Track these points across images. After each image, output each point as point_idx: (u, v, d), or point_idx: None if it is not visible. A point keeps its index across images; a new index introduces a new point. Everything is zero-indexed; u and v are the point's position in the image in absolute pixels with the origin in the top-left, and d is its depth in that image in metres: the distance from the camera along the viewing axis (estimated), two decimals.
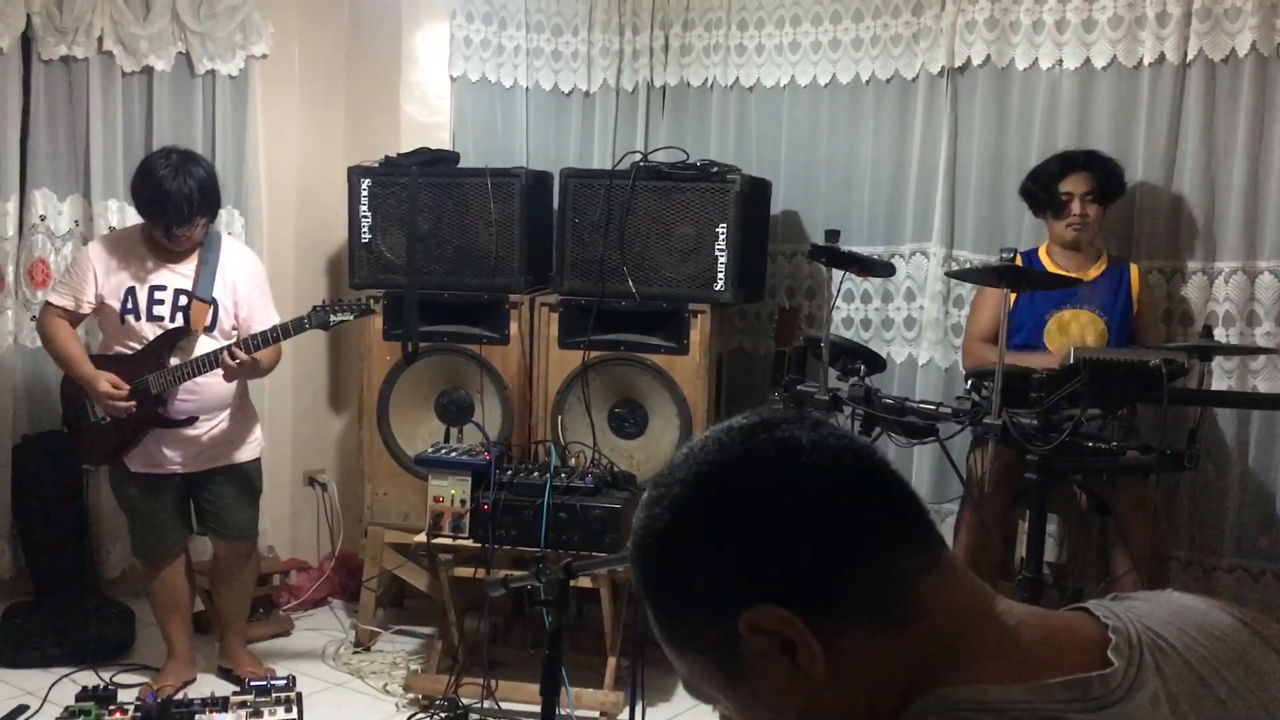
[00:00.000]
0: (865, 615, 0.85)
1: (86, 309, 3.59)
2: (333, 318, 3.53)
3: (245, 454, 3.74)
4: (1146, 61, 3.77)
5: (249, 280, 3.66)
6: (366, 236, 4.11)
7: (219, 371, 3.49)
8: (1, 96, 4.13)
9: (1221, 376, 3.73)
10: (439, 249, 4.06)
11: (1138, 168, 3.79)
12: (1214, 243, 3.76)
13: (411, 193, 4.03)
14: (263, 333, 3.51)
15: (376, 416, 4.14)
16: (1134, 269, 3.71)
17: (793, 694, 0.86)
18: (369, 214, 4.10)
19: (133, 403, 3.49)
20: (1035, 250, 3.79)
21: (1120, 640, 0.84)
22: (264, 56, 4.48)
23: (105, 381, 3.48)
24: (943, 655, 0.84)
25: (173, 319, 3.55)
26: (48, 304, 3.64)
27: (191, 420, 3.57)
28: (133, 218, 4.33)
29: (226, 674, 3.82)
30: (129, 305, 3.55)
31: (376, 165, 4.13)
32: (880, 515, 0.88)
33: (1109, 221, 3.76)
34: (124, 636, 4.03)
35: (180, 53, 4.34)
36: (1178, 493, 3.80)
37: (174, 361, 3.53)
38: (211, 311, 3.57)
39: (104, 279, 3.56)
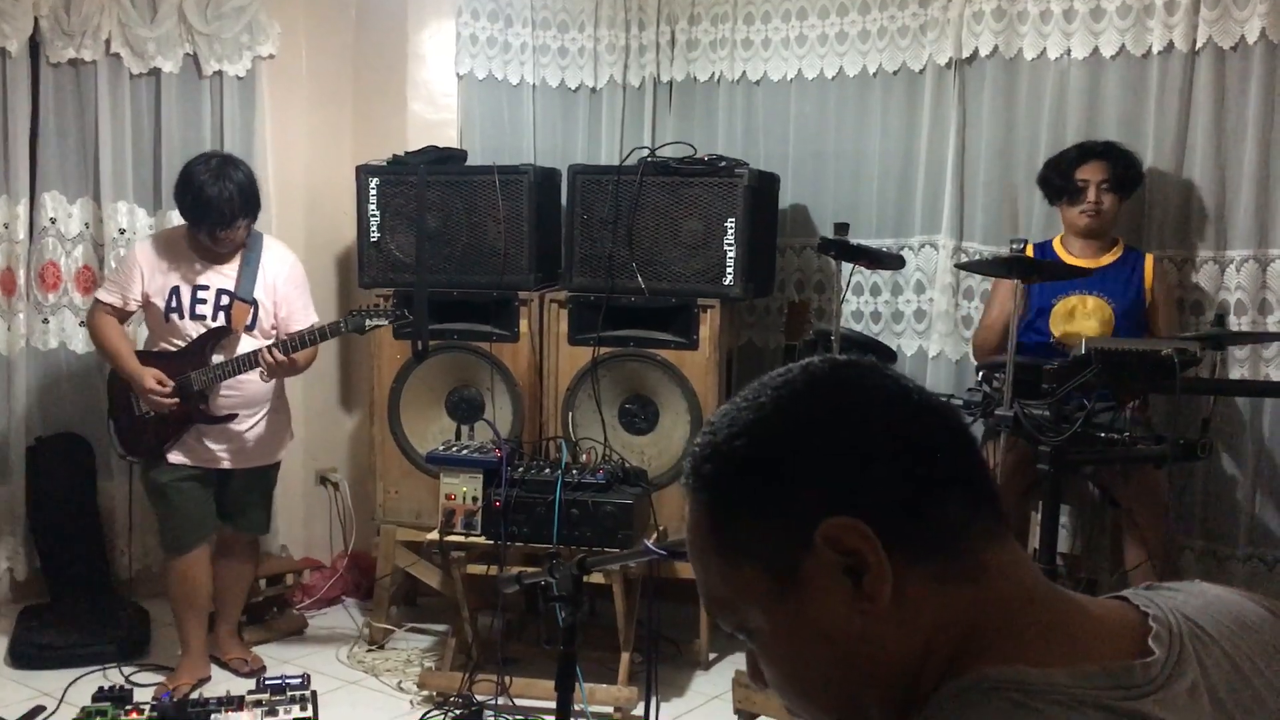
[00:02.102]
0: (937, 558, 0.84)
1: (134, 306, 3.72)
2: (368, 322, 3.66)
3: (283, 453, 3.92)
4: (1155, 50, 3.75)
5: (289, 281, 3.79)
6: (375, 235, 4.11)
7: (259, 369, 3.61)
8: (10, 100, 4.14)
9: (1234, 365, 3.71)
10: (448, 247, 4.06)
11: (1148, 156, 3.77)
12: (1225, 230, 3.74)
13: (420, 191, 4.04)
14: (300, 333, 3.63)
15: (388, 415, 4.15)
16: (1148, 258, 3.70)
17: (845, 620, 0.84)
18: (377, 213, 4.10)
19: (176, 399, 3.60)
20: (1050, 241, 3.78)
21: (1161, 628, 0.84)
22: (271, 57, 4.49)
23: (151, 378, 3.59)
24: (997, 625, 0.83)
25: (215, 318, 3.67)
26: (97, 301, 3.77)
27: (231, 416, 3.68)
28: (142, 220, 4.37)
29: (214, 660, 3.88)
30: (173, 304, 3.66)
31: (384, 164, 4.14)
32: (970, 466, 0.88)
33: (1119, 211, 3.74)
34: (139, 636, 4.04)
35: (188, 54, 4.35)
36: (1191, 482, 3.79)
37: (216, 359, 3.65)
38: (252, 311, 3.69)
39: (150, 278, 3.68)
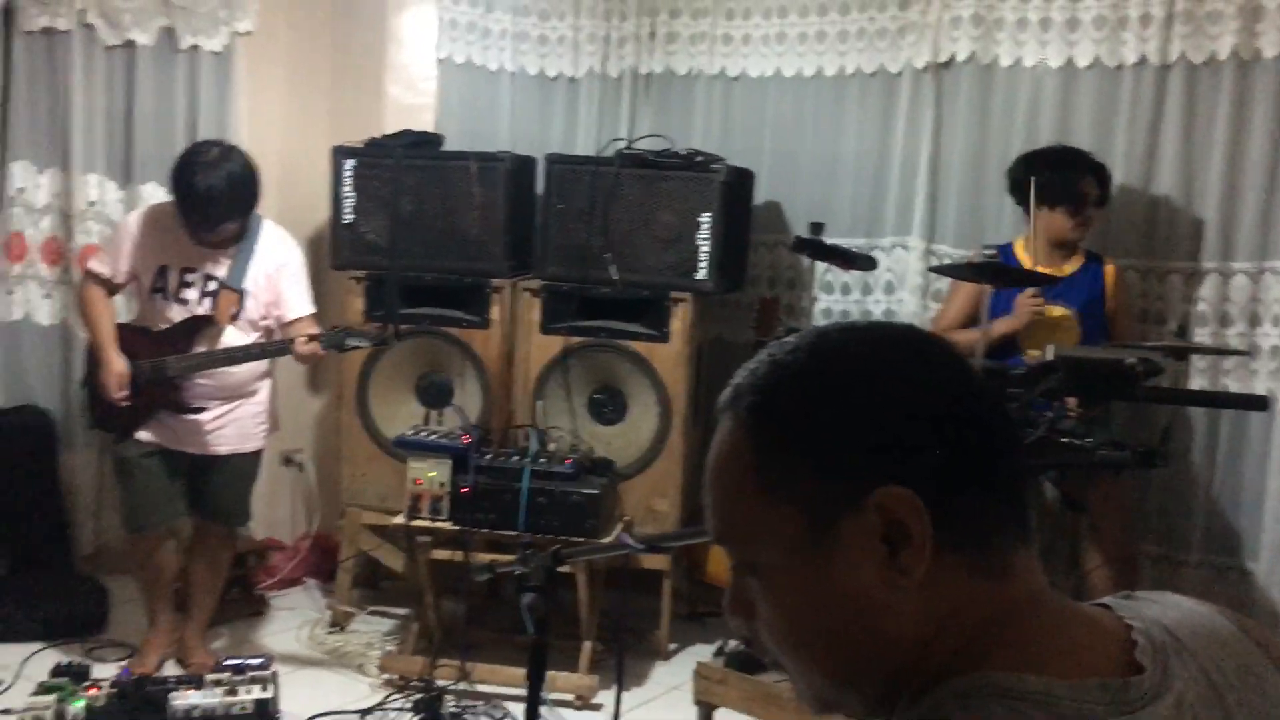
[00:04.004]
0: (971, 549, 0.84)
1: (122, 279, 3.60)
2: (349, 341, 3.51)
3: (253, 444, 3.72)
4: (1129, 62, 3.80)
5: (284, 272, 3.63)
6: (349, 217, 4.09)
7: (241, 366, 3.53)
8: None
9: (1195, 375, 3.78)
10: (422, 231, 4.05)
11: (1118, 167, 3.82)
12: (1190, 244, 3.81)
13: (395, 174, 4.02)
14: (260, 345, 3.55)
15: (356, 398, 4.14)
16: (1109, 267, 3.75)
17: (870, 586, 0.84)
18: (352, 194, 4.09)
19: (128, 403, 3.48)
20: (1010, 245, 3.81)
21: (1145, 642, 0.85)
22: (248, 33, 4.44)
23: (116, 376, 3.45)
24: (1009, 627, 0.84)
25: (200, 304, 3.54)
26: (88, 270, 3.64)
27: (200, 410, 3.56)
28: (112, 193, 4.33)
29: (178, 663, 3.75)
30: (158, 284, 3.55)
31: (360, 146, 4.12)
32: (1015, 464, 0.89)
33: None
34: (97, 613, 4.01)
35: (163, 27, 4.30)
36: (1148, 489, 3.86)
37: (199, 349, 3.52)
38: (239, 301, 3.55)
39: (139, 252, 3.55)
